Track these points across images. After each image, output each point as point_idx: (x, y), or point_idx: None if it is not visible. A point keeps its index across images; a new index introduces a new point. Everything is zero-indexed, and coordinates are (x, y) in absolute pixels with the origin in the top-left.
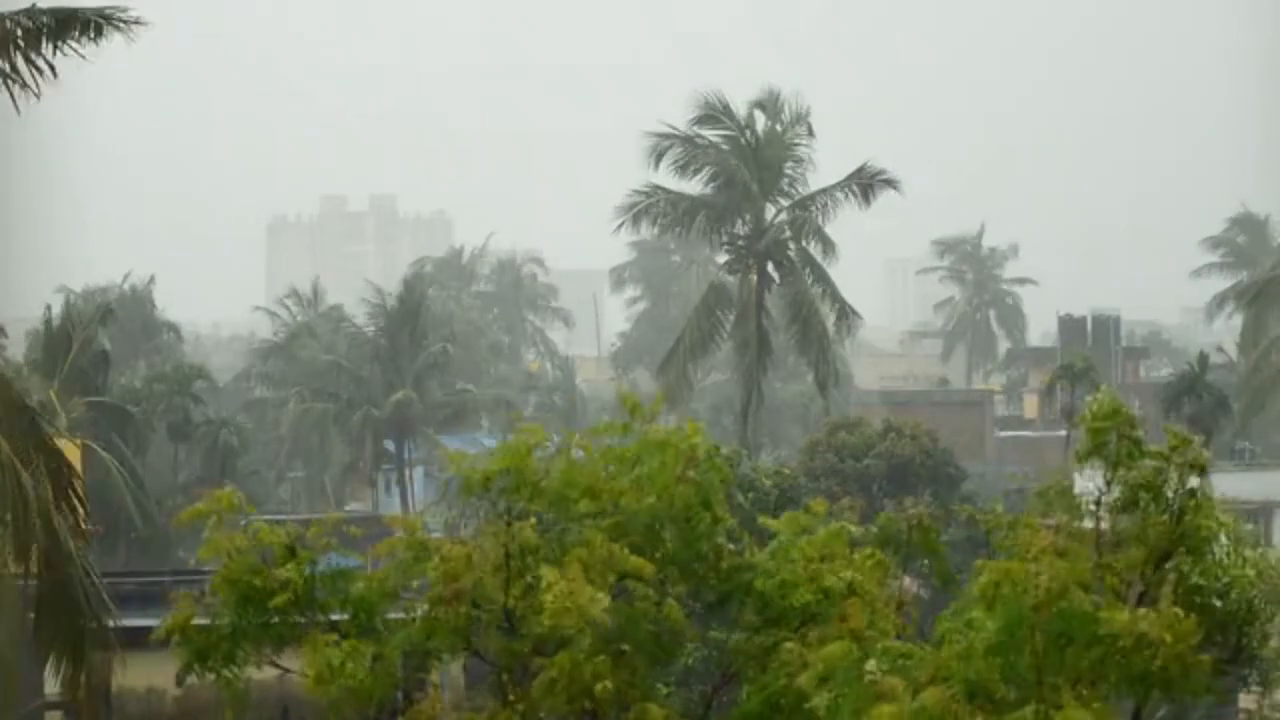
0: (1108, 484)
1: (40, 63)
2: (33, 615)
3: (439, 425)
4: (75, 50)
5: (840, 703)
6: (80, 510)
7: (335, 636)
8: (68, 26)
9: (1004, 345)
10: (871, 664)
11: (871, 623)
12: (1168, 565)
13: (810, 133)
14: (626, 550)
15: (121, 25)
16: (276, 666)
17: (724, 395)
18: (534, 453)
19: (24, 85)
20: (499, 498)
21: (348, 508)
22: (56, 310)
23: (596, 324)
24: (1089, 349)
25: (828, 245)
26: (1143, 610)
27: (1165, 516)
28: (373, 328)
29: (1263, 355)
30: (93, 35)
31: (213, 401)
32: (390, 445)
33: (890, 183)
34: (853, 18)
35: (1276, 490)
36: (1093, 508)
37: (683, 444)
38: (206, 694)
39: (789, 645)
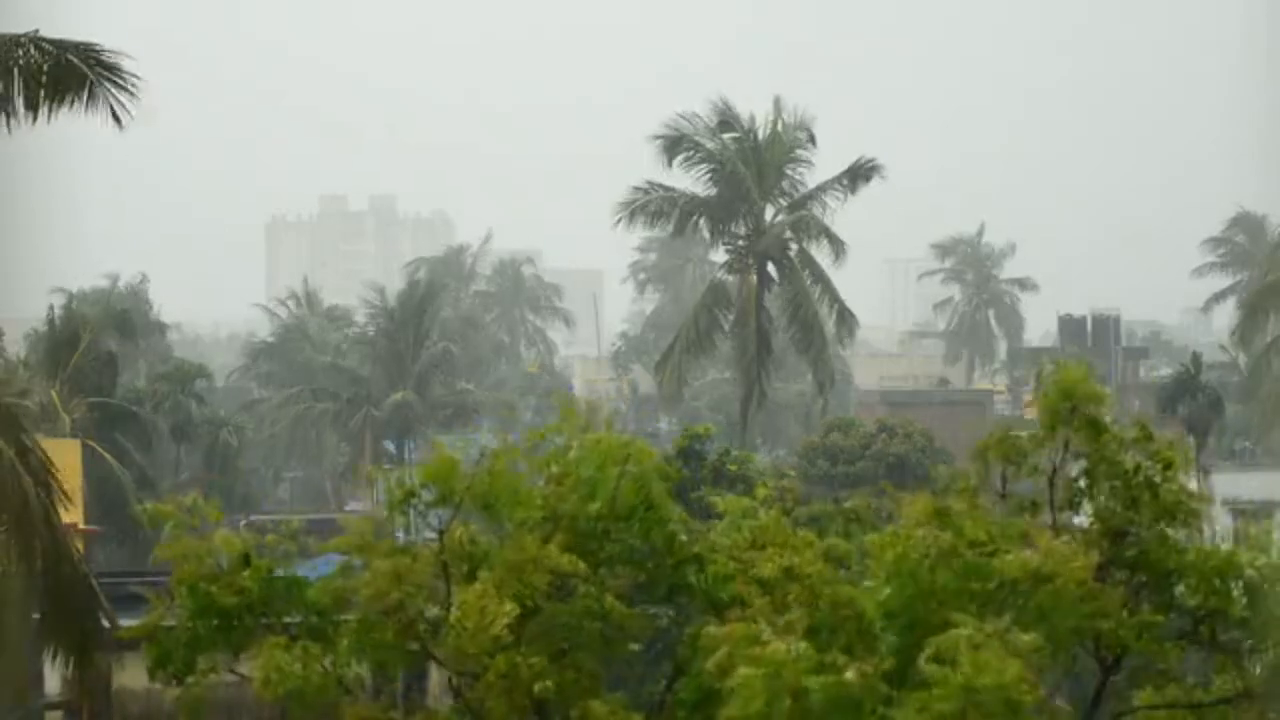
0: (1060, 461)
1: (37, 98)
2: (37, 615)
3: (439, 425)
4: (70, 102)
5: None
6: (73, 510)
7: (286, 640)
8: (67, 80)
9: (1003, 345)
10: (765, 630)
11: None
12: (1126, 542)
13: (812, 140)
14: (557, 551)
15: (119, 91)
16: (234, 674)
17: (723, 394)
18: (463, 464)
19: (10, 114)
20: (428, 510)
21: (347, 507)
22: (56, 311)
23: (597, 324)
24: (1089, 349)
25: (835, 244)
26: (1041, 549)
27: (1120, 499)
28: (373, 328)
29: (1262, 359)
30: (88, 96)
31: (212, 401)
32: (390, 445)
33: (876, 169)
34: (855, 21)
35: (1276, 490)
36: (1046, 474)
37: (619, 450)
38: (207, 694)
39: (710, 630)
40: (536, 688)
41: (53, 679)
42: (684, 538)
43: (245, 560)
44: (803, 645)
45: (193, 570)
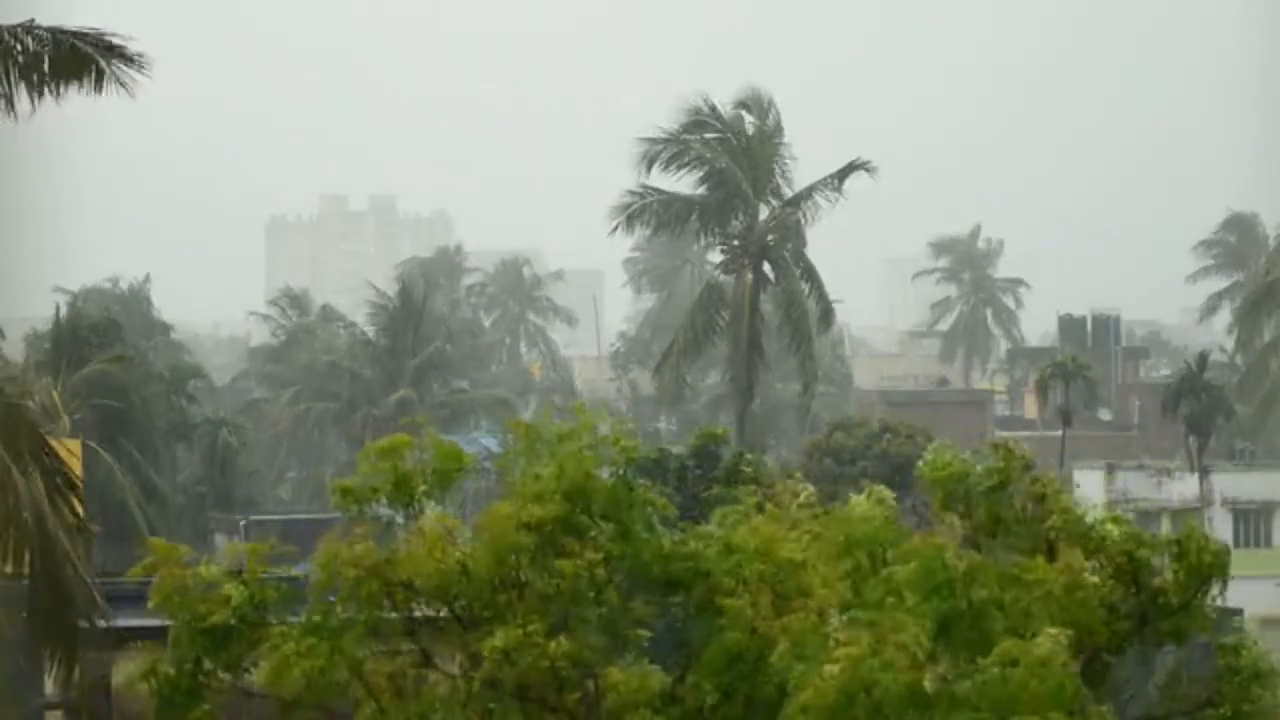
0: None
1: (39, 84)
2: (26, 614)
3: (438, 425)
4: (77, 86)
5: (809, 668)
6: (77, 509)
7: (292, 630)
8: (70, 65)
9: (1002, 345)
10: (833, 624)
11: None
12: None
13: (780, 127)
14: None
15: (124, 75)
16: (243, 693)
17: (722, 394)
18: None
19: (11, 107)
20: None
21: None
22: (61, 311)
23: (597, 324)
24: (1089, 349)
25: (797, 252)
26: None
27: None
28: (372, 328)
29: (1260, 359)
30: (94, 81)
31: (212, 402)
32: None
33: (868, 169)
34: (850, 19)
35: (1276, 490)
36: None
37: (583, 434)
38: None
39: (735, 603)
40: (551, 647)
41: (52, 678)
42: (668, 533)
43: (237, 575)
44: (870, 640)
45: (184, 603)
